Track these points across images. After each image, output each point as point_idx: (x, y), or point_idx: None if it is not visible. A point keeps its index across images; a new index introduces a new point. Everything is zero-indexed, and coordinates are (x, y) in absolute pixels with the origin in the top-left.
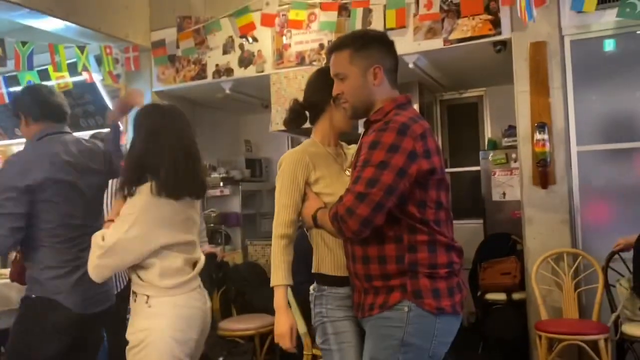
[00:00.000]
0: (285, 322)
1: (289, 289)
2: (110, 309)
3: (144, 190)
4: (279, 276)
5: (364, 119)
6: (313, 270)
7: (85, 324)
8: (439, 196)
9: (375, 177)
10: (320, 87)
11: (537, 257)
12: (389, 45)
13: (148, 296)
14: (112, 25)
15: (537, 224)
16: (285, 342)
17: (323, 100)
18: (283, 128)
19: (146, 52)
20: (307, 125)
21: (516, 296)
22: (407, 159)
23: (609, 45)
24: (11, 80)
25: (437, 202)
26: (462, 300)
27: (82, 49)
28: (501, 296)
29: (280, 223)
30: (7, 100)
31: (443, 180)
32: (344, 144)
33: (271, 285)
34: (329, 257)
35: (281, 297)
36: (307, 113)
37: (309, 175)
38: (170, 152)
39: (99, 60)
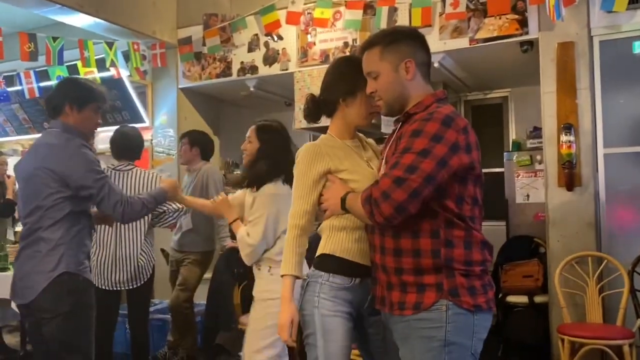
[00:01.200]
0: (287, 313)
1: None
2: (29, 305)
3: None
4: (289, 266)
5: (394, 118)
6: (317, 253)
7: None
8: (475, 192)
9: (415, 164)
10: (331, 87)
11: (560, 260)
12: (420, 40)
13: (270, 267)
14: (140, 22)
15: (561, 226)
16: (283, 334)
17: (334, 97)
18: (306, 126)
19: (172, 49)
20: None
21: (538, 299)
22: (449, 150)
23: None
24: (42, 75)
25: (474, 198)
26: (493, 297)
27: (110, 45)
28: (523, 299)
29: (294, 213)
30: (37, 94)
31: (480, 177)
32: (361, 135)
33: (280, 274)
34: (344, 239)
35: (288, 288)
36: (323, 109)
37: (328, 166)
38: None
39: (126, 57)
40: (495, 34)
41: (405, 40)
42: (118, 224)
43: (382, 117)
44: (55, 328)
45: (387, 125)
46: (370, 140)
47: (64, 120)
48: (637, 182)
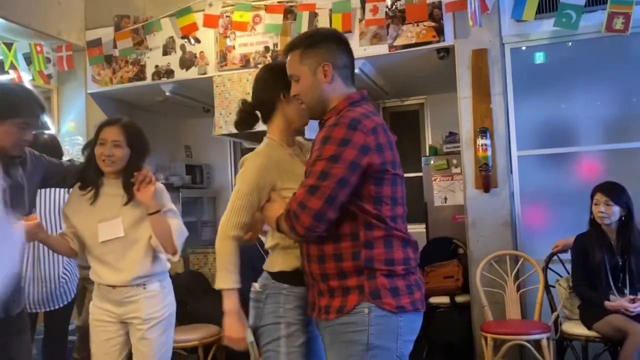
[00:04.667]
0: (240, 326)
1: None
2: None
3: None
4: (231, 279)
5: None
6: (271, 269)
7: None
8: (394, 192)
9: (327, 170)
10: (269, 84)
11: (480, 260)
12: (340, 43)
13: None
14: (43, 21)
15: (480, 227)
16: (240, 345)
17: (273, 97)
18: (227, 132)
19: (80, 51)
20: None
21: (459, 299)
22: (358, 152)
23: (541, 57)
24: None
25: (393, 198)
26: (422, 298)
27: (9, 46)
28: (444, 299)
29: (235, 224)
30: None
31: (398, 176)
32: (300, 139)
33: (221, 287)
34: (293, 256)
35: (234, 301)
36: (259, 113)
37: (275, 182)
38: None
39: (28, 59)
40: (413, 41)
41: (325, 44)
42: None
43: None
44: None
45: (312, 131)
46: (308, 143)
47: None
48: (549, 183)
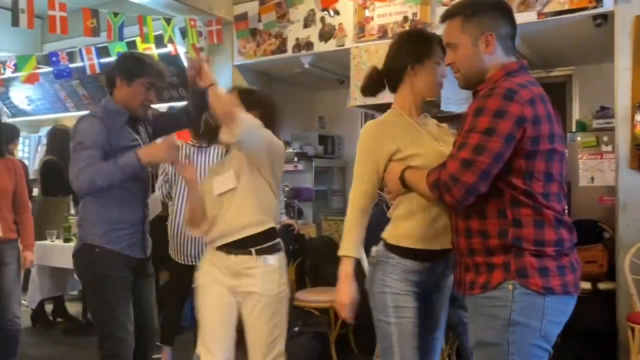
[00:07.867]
0: (348, 292)
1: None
2: None
3: None
4: (351, 248)
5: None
6: (390, 241)
7: None
8: (549, 167)
9: (482, 144)
10: (400, 53)
11: (630, 245)
12: (505, 11)
13: None
14: None
15: (632, 210)
16: (345, 312)
17: (402, 68)
18: (362, 103)
19: (228, 25)
20: (384, 100)
21: (602, 286)
22: (514, 125)
23: None
24: (102, 51)
25: (547, 174)
26: (577, 280)
27: (168, 21)
28: (586, 285)
29: (354, 192)
30: (98, 71)
31: (555, 151)
32: (434, 120)
33: (341, 254)
34: (413, 228)
35: (349, 268)
36: (386, 81)
37: (390, 147)
38: None
39: (183, 33)
40: (566, 7)
41: (488, 12)
42: None
43: (441, 94)
44: (87, 297)
45: (447, 103)
46: (444, 125)
47: (114, 95)
48: None
